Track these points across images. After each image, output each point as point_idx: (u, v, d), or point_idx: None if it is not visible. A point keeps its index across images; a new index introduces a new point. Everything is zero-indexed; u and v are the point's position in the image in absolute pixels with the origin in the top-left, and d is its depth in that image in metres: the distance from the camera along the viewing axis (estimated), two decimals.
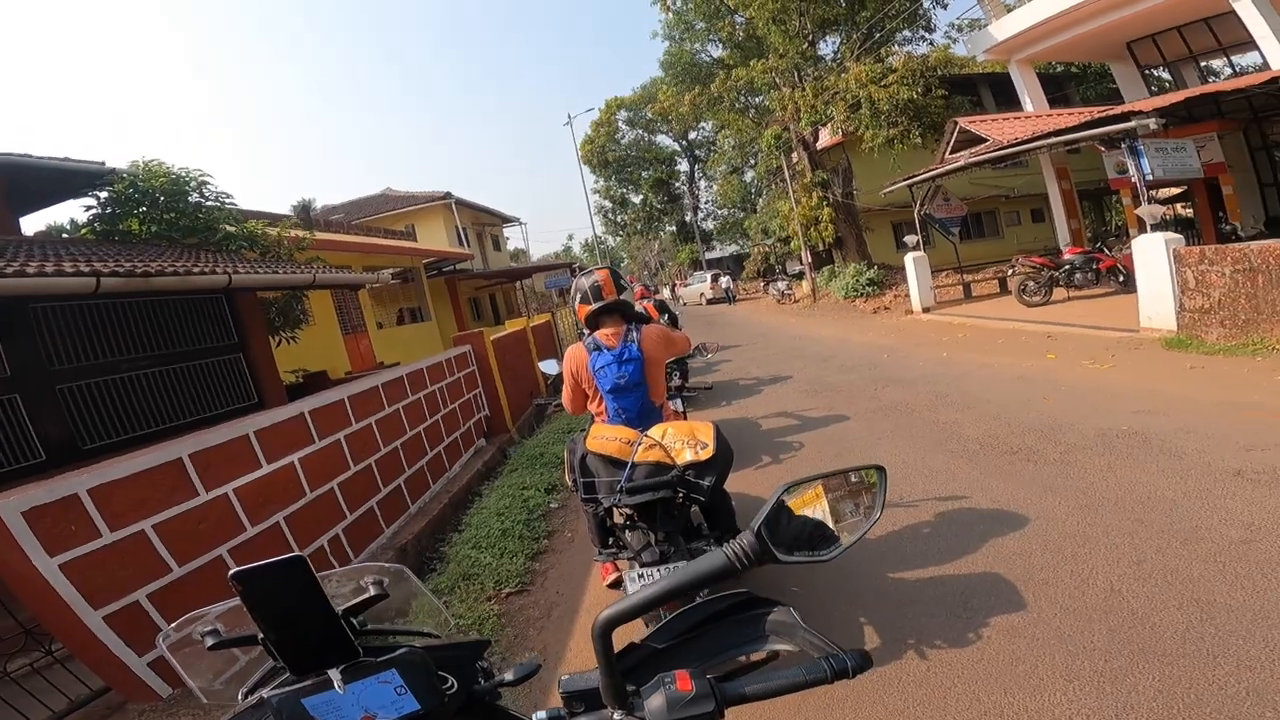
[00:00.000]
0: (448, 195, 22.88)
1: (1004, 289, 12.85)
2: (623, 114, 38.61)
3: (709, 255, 41.12)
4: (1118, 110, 8.20)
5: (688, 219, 41.47)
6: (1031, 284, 10.56)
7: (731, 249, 40.95)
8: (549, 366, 4.58)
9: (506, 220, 30.11)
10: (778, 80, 17.53)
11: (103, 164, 6.90)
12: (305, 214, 14.18)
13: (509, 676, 0.91)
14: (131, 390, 5.63)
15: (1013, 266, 11.62)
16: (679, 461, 2.41)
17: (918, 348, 9.02)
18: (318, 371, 9.51)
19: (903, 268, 13.52)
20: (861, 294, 16.15)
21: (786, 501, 0.81)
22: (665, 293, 33.25)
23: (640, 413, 2.92)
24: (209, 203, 7.57)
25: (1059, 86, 19.30)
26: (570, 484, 2.72)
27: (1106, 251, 10.56)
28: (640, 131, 39.58)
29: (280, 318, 8.15)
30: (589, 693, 0.81)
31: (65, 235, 7.58)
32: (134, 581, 2.75)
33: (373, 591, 0.89)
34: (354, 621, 0.84)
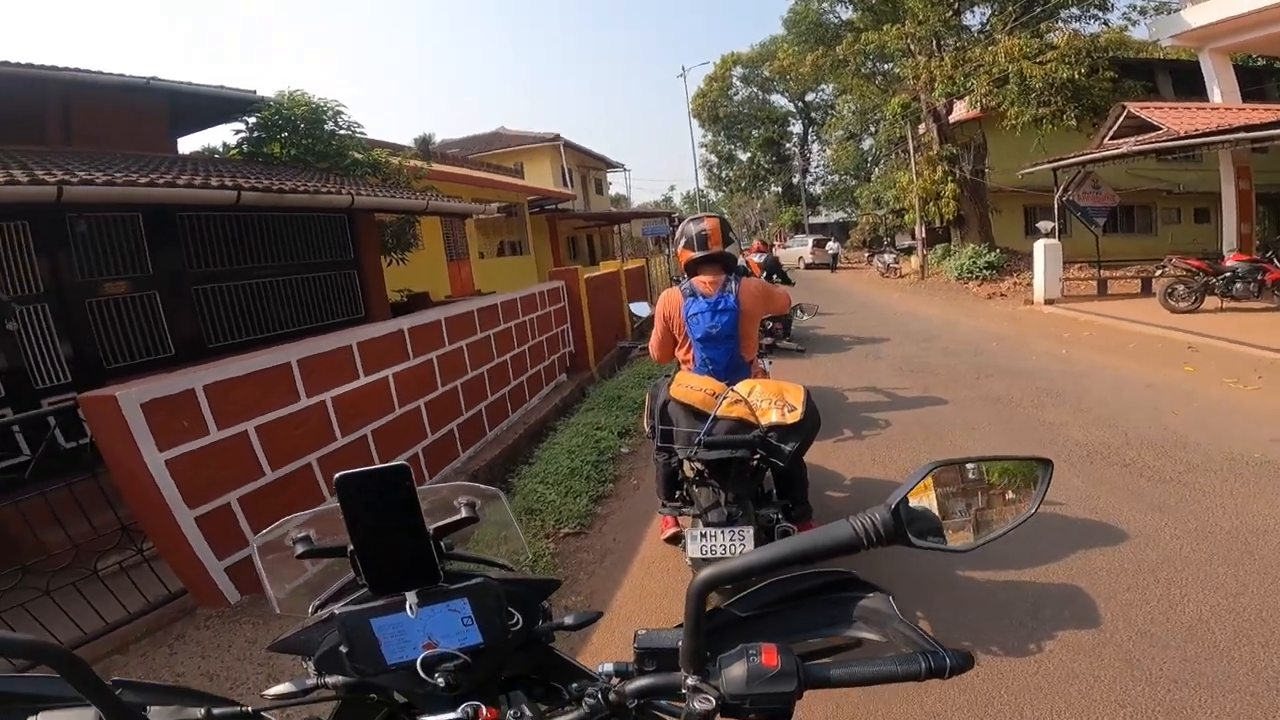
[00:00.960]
0: (557, 137, 23.19)
1: (1146, 290, 11.47)
2: (738, 70, 37.29)
3: (812, 220, 39.40)
4: None
5: (795, 181, 39.80)
6: (1181, 288, 9.37)
7: (837, 216, 39.11)
8: (640, 308, 4.59)
9: (611, 165, 30.19)
10: (913, 47, 16.20)
11: (253, 92, 7.51)
12: (425, 147, 14.86)
13: (569, 620, 0.87)
14: (257, 296, 6.18)
15: (1163, 267, 10.34)
16: (763, 421, 2.33)
17: (1034, 340, 8.33)
18: (420, 292, 10.05)
19: (1028, 254, 12.38)
20: (977, 277, 14.97)
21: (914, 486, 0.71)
22: None
23: (728, 366, 2.85)
24: (341, 131, 8.09)
25: (1257, 80, 16.55)
26: (647, 429, 2.70)
27: (1276, 262, 9.17)
28: (754, 89, 38.15)
29: (393, 239, 8.71)
30: (664, 652, 0.77)
31: (217, 156, 8.35)
32: (230, 483, 2.84)
33: (464, 514, 0.86)
34: (441, 544, 0.82)
